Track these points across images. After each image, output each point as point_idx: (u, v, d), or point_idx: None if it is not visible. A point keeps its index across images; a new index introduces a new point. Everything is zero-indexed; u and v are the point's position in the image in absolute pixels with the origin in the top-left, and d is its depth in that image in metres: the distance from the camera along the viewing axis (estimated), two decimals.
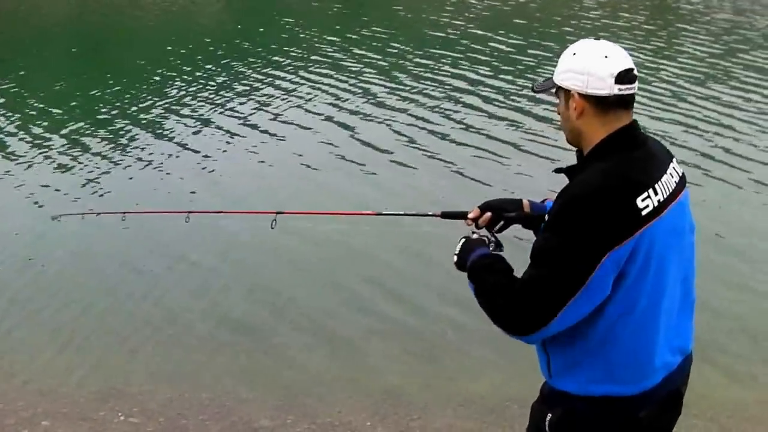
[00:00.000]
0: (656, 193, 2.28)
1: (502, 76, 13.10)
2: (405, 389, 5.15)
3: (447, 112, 11.11)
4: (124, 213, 4.51)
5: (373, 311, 6.07)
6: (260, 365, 5.44)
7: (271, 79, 13.02)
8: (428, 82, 12.63)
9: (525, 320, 2.25)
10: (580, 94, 2.33)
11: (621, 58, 2.33)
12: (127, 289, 6.47)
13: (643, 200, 2.24)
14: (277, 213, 3.37)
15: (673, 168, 2.41)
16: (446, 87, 12.37)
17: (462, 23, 17.83)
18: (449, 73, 13.17)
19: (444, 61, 14.06)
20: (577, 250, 2.20)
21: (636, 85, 2.36)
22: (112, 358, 5.60)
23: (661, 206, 2.28)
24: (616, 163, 2.30)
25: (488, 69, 13.55)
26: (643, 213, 2.23)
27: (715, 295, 6.09)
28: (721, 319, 5.92)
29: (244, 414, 4.87)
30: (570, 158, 2.55)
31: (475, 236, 2.64)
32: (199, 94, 12.23)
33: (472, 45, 15.41)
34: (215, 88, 12.66)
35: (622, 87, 2.32)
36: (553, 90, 2.43)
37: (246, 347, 5.65)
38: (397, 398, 5.05)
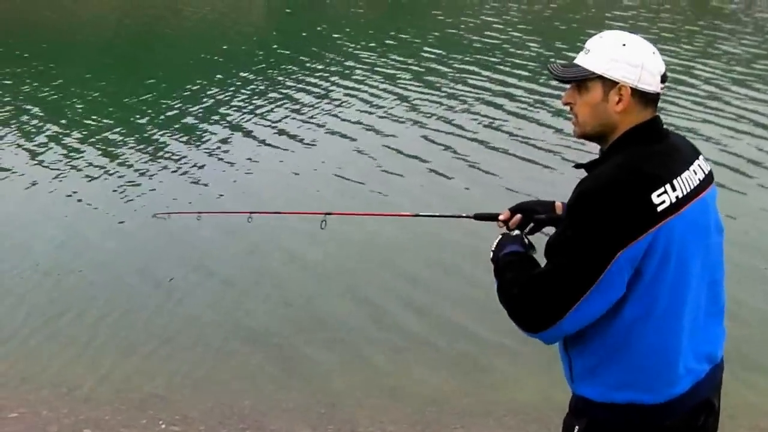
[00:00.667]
0: (674, 189, 2.19)
1: (539, 80, 13.02)
2: (448, 398, 5.08)
3: (482, 117, 11.10)
4: (199, 213, 4.93)
5: (417, 317, 6.01)
6: (302, 373, 5.40)
7: (310, 84, 13.19)
8: (464, 87, 12.65)
9: (536, 314, 2.20)
10: (632, 88, 2.25)
11: (660, 58, 2.31)
12: (176, 293, 6.51)
13: (658, 195, 2.16)
14: (326, 214, 3.47)
15: (698, 165, 2.33)
16: (482, 91, 12.40)
17: (500, 27, 17.75)
18: (485, 78, 13.20)
19: (480, 65, 14.06)
20: (588, 245, 2.15)
21: None
22: (156, 363, 5.60)
23: (681, 203, 2.19)
24: (632, 157, 2.23)
25: (526, 73, 13.51)
26: (659, 209, 2.15)
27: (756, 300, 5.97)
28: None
29: (284, 423, 4.84)
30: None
31: (515, 233, 2.61)
32: (240, 100, 12.39)
33: (510, 49, 15.39)
34: (257, 93, 12.85)
35: (662, 86, 2.30)
36: (577, 78, 2.30)
37: (289, 355, 5.63)
38: (440, 407, 4.98)
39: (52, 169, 9.46)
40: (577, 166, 2.44)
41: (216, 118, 11.54)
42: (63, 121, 11.51)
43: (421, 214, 3.36)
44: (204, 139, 10.59)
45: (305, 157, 9.79)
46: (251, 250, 7.17)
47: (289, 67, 14.66)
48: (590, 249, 2.15)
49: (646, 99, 2.28)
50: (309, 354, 5.62)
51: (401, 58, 14.84)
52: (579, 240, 2.17)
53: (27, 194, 8.72)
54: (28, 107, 12.22)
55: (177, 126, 11.21)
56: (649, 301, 2.21)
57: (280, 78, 13.86)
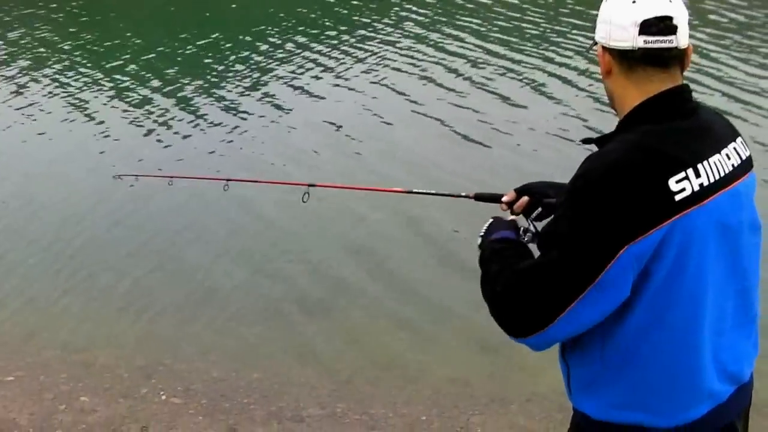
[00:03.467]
0: (698, 175, 1.81)
1: (582, 56, 12.15)
2: (468, 380, 4.75)
3: (508, 92, 9.94)
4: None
5: (438, 295, 5.63)
6: (314, 349, 5.11)
7: (307, 47, 12.28)
8: (495, 57, 11.50)
9: (520, 316, 1.86)
10: (603, 47, 1.95)
11: (654, 3, 1.86)
12: (184, 261, 6.29)
13: (677, 182, 1.79)
14: (310, 185, 3.35)
15: (734, 148, 1.93)
16: (512, 62, 11.18)
17: None
18: (520, 47, 12.09)
19: (516, 36, 13.25)
20: (588, 236, 1.79)
21: (676, 37, 1.87)
22: (164, 330, 5.40)
23: (705, 192, 1.82)
24: (646, 134, 1.85)
25: (564, 49, 12.62)
26: (677, 198, 1.78)
27: None
28: None
29: (292, 399, 4.55)
30: None
31: (510, 217, 2.32)
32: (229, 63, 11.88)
33: (560, 18, 14.45)
34: (247, 56, 12.25)
35: (649, 39, 1.86)
36: (592, 46, 2.04)
37: (302, 327, 5.35)
38: (459, 389, 4.65)
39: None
40: (586, 140, 2.09)
41: (201, 82, 10.84)
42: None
43: (415, 191, 3.13)
44: (189, 102, 10.04)
45: (295, 124, 9.12)
46: (253, 220, 6.77)
47: (286, 23, 13.95)
48: (590, 240, 1.79)
49: (630, 58, 1.90)
50: (324, 328, 5.32)
51: (432, 20, 14.10)
52: (577, 229, 1.81)
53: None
54: None
55: (159, 87, 10.66)
56: (660, 308, 1.85)
57: (272, 39, 12.89)
